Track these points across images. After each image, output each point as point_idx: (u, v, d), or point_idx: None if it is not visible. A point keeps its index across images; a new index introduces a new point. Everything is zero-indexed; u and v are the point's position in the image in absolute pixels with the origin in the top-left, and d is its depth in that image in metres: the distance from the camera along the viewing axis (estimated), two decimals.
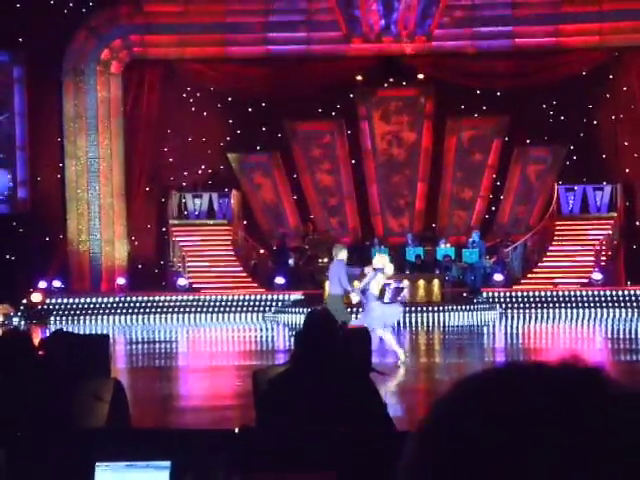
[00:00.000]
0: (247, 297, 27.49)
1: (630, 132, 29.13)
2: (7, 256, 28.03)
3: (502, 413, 0.89)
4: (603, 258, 28.90)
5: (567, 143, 29.64)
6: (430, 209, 30.68)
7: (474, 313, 26.00)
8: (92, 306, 27.21)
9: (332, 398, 5.22)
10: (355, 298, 16.46)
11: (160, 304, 27.35)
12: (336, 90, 29.29)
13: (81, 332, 19.97)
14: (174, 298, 27.60)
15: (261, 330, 24.11)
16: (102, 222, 29.03)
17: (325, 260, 29.25)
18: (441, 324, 25.02)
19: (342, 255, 16.65)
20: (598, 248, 28.89)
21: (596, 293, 27.08)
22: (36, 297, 27.12)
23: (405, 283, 26.97)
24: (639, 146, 28.88)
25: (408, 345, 21.73)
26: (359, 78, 29.63)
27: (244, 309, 27.15)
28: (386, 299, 17.57)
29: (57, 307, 27.12)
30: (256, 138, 29.87)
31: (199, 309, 27.26)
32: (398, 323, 24.91)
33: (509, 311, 26.60)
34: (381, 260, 16.37)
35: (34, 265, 27.97)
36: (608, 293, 27.05)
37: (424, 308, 25.81)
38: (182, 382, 16.16)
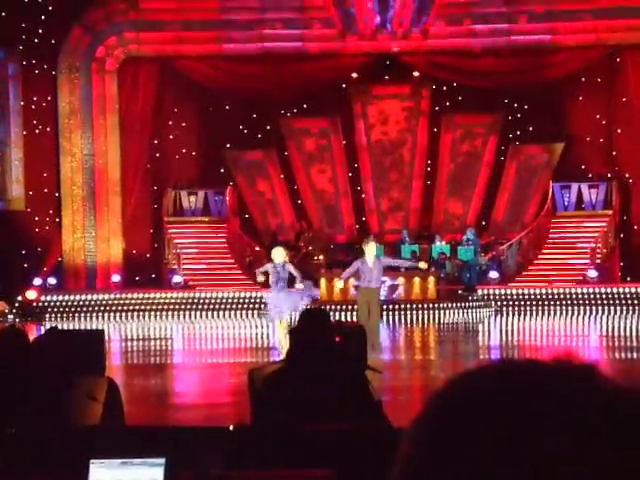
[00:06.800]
0: (242, 294, 27.48)
1: (625, 130, 29.16)
2: (2, 253, 27.99)
3: (496, 409, 0.89)
4: (598, 256, 28.92)
5: (562, 141, 29.68)
6: (425, 206, 30.70)
7: (469, 310, 26.02)
8: (87, 303, 27.18)
9: (327, 396, 5.22)
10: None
11: (155, 301, 27.34)
12: (331, 87, 29.29)
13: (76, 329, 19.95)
14: (169, 295, 27.59)
15: (256, 327, 24.10)
16: (97, 219, 28.99)
17: (320, 257, 29.25)
18: (436, 321, 25.03)
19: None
20: (593, 246, 28.90)
21: (591, 290, 27.11)
22: (31, 294, 27.08)
23: (400, 280, 27.02)
24: (634, 144, 28.89)
25: (403, 342, 21.75)
26: (354, 75, 29.63)
27: (239, 306, 27.14)
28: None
29: (52, 304, 27.09)
30: (251, 135, 29.85)
31: (194, 306, 27.24)
32: (392, 320, 24.95)
33: (504, 308, 26.62)
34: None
35: (29, 262, 27.94)
36: (603, 290, 27.08)
37: (419, 305, 25.84)
38: (177, 379, 16.15)
